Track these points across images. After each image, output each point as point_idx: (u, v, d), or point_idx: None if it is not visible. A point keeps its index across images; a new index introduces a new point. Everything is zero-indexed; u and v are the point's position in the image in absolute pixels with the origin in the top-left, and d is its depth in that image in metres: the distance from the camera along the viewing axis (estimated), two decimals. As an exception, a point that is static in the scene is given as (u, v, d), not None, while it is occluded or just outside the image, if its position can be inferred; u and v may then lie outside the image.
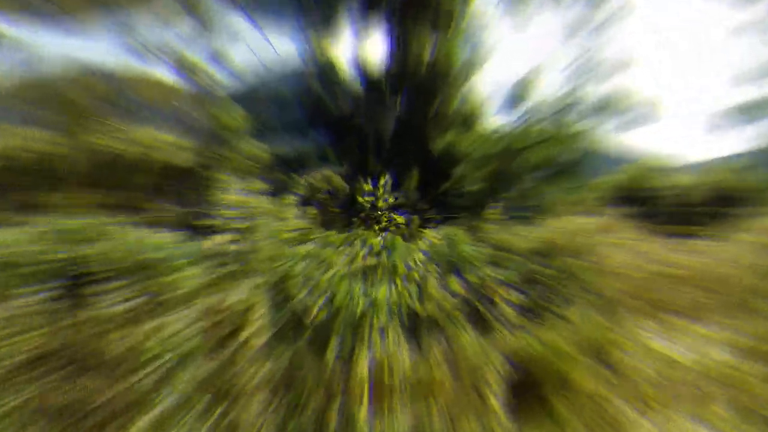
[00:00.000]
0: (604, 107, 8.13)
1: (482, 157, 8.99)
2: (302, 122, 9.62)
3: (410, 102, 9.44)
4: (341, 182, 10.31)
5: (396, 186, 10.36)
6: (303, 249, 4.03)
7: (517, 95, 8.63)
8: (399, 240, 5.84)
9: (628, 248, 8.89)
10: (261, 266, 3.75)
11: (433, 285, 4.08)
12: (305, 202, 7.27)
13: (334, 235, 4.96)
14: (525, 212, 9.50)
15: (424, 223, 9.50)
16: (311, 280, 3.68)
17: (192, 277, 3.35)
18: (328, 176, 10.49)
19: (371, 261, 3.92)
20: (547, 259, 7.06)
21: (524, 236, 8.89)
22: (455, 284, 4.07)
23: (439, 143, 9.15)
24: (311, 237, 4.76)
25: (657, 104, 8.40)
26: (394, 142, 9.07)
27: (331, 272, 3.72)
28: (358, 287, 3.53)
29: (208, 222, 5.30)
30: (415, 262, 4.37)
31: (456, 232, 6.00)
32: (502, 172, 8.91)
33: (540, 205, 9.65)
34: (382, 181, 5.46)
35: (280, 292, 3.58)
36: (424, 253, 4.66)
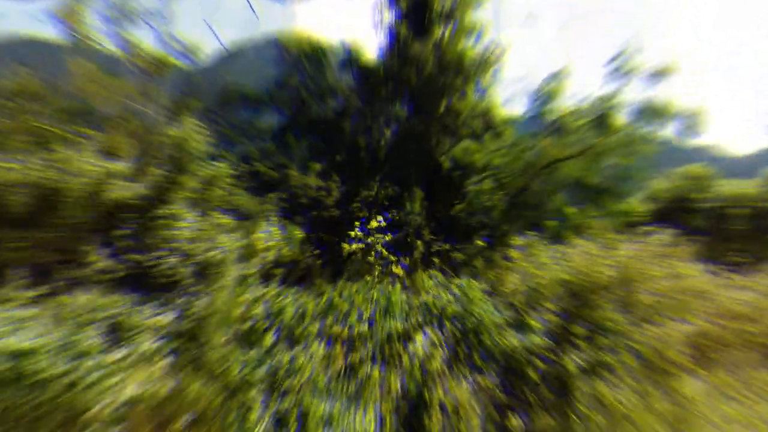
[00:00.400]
0: (652, 113, 7.56)
1: (504, 171, 8.44)
2: (279, 127, 9.02)
3: (413, 100, 8.84)
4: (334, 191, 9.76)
5: (395, 205, 9.78)
6: (267, 338, 3.49)
7: (547, 95, 8.04)
8: (396, 295, 5.34)
9: (682, 287, 8.25)
10: (211, 367, 3.24)
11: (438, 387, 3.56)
12: (282, 221, 6.69)
13: (311, 301, 4.44)
14: (556, 239, 8.95)
15: (431, 257, 8.96)
16: (274, 392, 3.16)
17: (103, 394, 2.82)
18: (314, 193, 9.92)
19: (356, 360, 3.39)
20: (585, 309, 6.53)
21: (555, 276, 8.32)
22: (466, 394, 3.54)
23: (449, 153, 8.58)
24: (281, 307, 4.23)
25: (707, 111, 7.85)
26: (393, 151, 8.49)
27: (302, 376, 3.20)
28: (339, 405, 3.01)
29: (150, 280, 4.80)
30: (414, 346, 3.85)
31: (470, 284, 5.48)
32: (528, 191, 8.37)
33: (575, 229, 9.11)
34: (374, 224, 4.92)
35: (230, 413, 3.06)
36: (425, 335, 4.13)
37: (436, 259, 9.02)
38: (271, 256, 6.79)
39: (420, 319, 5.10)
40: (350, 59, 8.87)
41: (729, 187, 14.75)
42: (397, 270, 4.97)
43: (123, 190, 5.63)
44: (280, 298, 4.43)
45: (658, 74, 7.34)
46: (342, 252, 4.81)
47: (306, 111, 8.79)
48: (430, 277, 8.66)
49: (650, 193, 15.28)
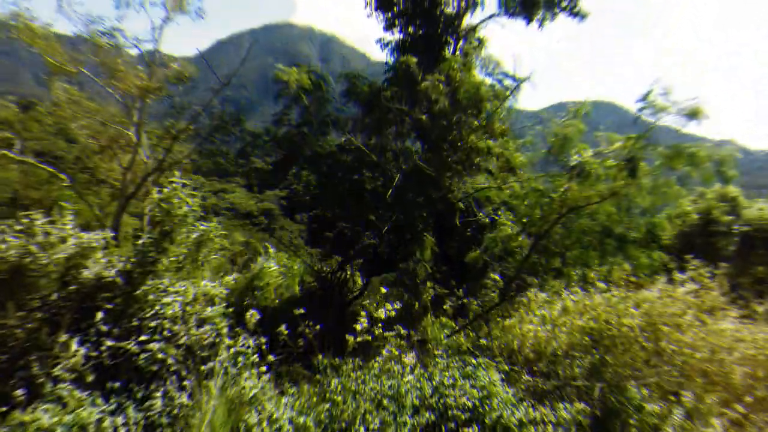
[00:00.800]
0: (680, 159, 7.14)
1: (522, 215, 8.00)
2: (277, 162, 8.58)
3: (423, 136, 8.40)
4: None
5: (402, 248, 9.34)
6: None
7: (569, 133, 7.58)
8: (405, 384, 4.95)
9: (728, 343, 7.66)
10: None
11: None
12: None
13: (308, 419, 4.02)
14: (579, 287, 8.51)
15: (443, 305, 8.54)
16: None
17: None
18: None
19: None
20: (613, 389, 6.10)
21: (578, 327, 7.88)
22: None
23: (462, 194, 8.14)
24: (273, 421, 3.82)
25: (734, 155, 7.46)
26: (401, 191, 8.03)
27: None
28: None
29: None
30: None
31: (487, 371, 5.06)
32: (549, 236, 7.94)
33: (599, 277, 8.67)
34: (381, 315, 4.51)
35: None
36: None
37: (447, 307, 8.64)
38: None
39: (433, 417, 4.70)
40: (352, 90, 8.43)
41: (754, 210, 14.42)
42: (406, 360, 4.56)
43: (101, 267, 5.21)
44: (274, 405, 4.00)
45: (689, 115, 6.93)
46: (347, 344, 4.40)
47: (305, 147, 8.35)
48: (442, 331, 8.28)
49: (678, 212, 14.90)
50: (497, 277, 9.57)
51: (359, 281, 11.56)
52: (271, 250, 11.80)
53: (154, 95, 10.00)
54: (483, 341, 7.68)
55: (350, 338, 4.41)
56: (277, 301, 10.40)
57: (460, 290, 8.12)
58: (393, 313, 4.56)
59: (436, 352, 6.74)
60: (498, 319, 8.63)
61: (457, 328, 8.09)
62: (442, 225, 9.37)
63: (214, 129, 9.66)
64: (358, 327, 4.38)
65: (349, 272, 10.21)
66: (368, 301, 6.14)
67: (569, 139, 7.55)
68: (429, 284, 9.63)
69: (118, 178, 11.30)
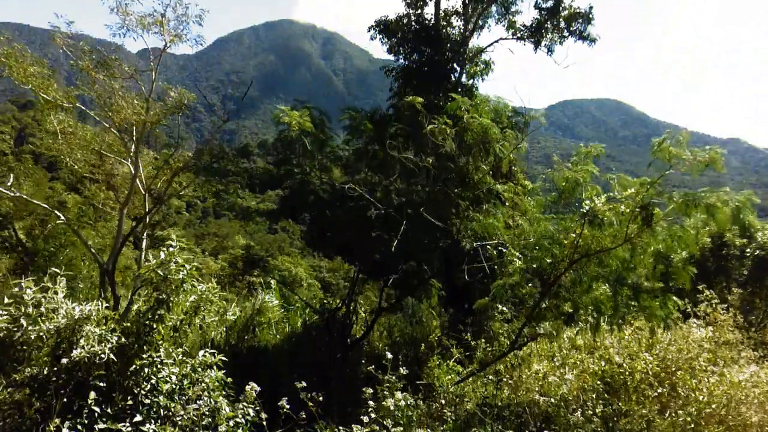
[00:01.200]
0: (696, 206, 6.99)
1: (532, 260, 7.78)
2: (279, 205, 8.37)
3: (429, 176, 8.17)
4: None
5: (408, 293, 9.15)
6: None
7: (580, 177, 7.35)
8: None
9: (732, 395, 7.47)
10: None
11: None
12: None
13: None
14: (590, 333, 8.30)
15: (450, 349, 8.34)
16: None
17: None
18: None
19: None
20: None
21: (592, 378, 7.68)
22: None
23: (470, 237, 7.92)
24: None
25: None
26: (407, 234, 7.80)
27: None
28: None
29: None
30: None
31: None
32: (560, 283, 7.74)
33: (612, 324, 8.45)
34: (388, 405, 4.30)
35: None
36: None
37: (455, 352, 8.45)
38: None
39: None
40: (354, 127, 8.22)
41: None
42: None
43: (94, 341, 5.02)
44: None
45: (702, 165, 6.79)
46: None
47: (307, 187, 8.15)
48: (449, 375, 8.07)
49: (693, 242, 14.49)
50: (505, 309, 9.37)
51: (362, 313, 11.39)
52: (273, 283, 11.64)
53: (152, 125, 9.81)
54: (492, 391, 7.48)
55: (356, 428, 4.21)
56: (278, 337, 10.20)
57: (468, 334, 7.91)
58: (403, 403, 4.35)
59: (444, 410, 6.54)
60: (508, 364, 8.44)
61: (465, 374, 7.90)
62: (450, 259, 9.17)
63: (213, 159, 9.46)
64: (365, 418, 4.18)
65: (352, 306, 10.02)
66: (371, 365, 5.90)
67: (580, 184, 7.36)
68: (435, 323, 9.47)
69: (114, 206, 11.16)
